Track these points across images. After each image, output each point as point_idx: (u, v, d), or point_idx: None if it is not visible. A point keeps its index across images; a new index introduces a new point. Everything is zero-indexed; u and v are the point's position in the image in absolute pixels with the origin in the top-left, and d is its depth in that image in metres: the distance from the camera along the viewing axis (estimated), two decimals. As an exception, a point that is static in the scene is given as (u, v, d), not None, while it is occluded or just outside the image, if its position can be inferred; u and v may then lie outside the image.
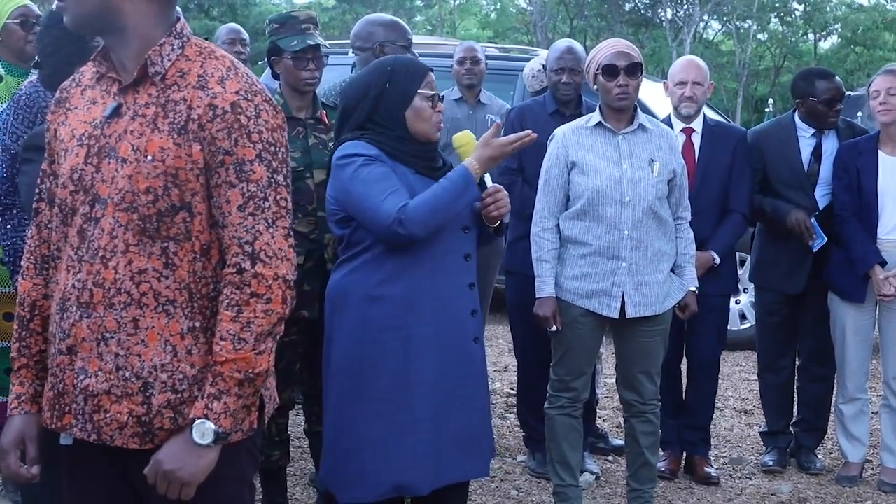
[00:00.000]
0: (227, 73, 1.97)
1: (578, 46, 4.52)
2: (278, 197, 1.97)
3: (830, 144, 4.49)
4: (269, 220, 1.95)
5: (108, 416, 1.95)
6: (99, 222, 1.94)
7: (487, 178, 2.96)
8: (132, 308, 1.93)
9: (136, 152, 1.92)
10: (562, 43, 4.55)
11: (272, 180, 1.96)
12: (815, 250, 4.38)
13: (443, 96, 2.98)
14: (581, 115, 4.20)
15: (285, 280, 1.97)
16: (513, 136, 2.96)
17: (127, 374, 1.94)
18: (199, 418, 1.92)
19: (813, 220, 4.37)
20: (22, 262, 2.11)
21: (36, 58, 3.94)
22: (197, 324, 1.96)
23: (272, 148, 1.97)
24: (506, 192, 2.98)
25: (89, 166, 1.96)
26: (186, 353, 1.95)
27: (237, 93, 1.95)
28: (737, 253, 4.90)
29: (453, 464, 2.95)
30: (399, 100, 2.90)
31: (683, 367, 4.60)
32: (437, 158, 3.00)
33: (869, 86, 4.44)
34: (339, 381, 2.92)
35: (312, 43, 3.54)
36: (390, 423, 2.87)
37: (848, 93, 8.35)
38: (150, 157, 1.91)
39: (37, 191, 2.10)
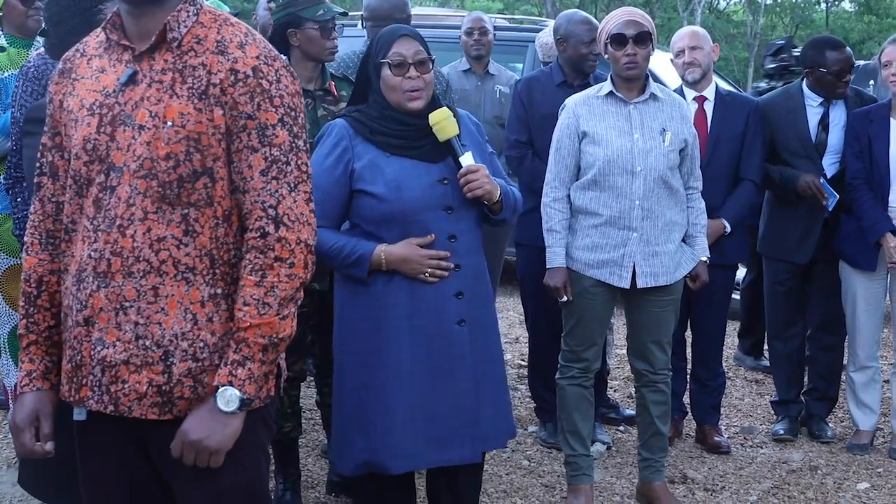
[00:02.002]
0: (245, 38, 1.97)
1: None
2: (299, 161, 1.97)
3: (838, 113, 4.47)
4: (292, 185, 1.95)
5: (126, 386, 1.94)
6: (115, 191, 1.93)
7: (468, 156, 2.88)
8: (152, 276, 1.92)
9: (155, 118, 1.91)
10: (579, 14, 4.46)
11: (293, 145, 1.96)
12: (830, 209, 4.36)
13: (421, 61, 2.87)
14: (589, 84, 4.18)
15: (307, 244, 1.97)
16: (433, 255, 2.85)
17: (147, 343, 1.93)
18: (223, 385, 1.91)
19: (822, 180, 4.36)
20: (25, 238, 2.08)
21: (43, 27, 3.97)
22: (218, 290, 1.95)
23: (293, 113, 1.97)
24: (484, 170, 2.88)
25: (103, 135, 1.94)
26: (207, 321, 1.95)
27: (257, 57, 1.95)
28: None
29: (433, 448, 2.89)
30: (374, 72, 2.92)
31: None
32: (427, 134, 2.89)
33: (880, 55, 4.41)
34: (335, 352, 2.99)
35: (339, 11, 3.57)
36: (363, 401, 2.88)
37: (860, 62, 8.30)
38: (169, 123, 1.90)
39: (37, 165, 2.07)
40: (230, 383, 1.91)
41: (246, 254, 1.94)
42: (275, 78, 1.95)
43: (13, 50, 3.96)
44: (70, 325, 1.99)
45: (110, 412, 1.96)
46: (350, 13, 4.15)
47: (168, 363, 1.94)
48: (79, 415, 2.01)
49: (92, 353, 1.95)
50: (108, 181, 1.94)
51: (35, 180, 2.08)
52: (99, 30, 2.06)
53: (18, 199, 3.37)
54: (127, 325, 1.93)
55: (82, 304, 1.95)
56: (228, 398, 1.91)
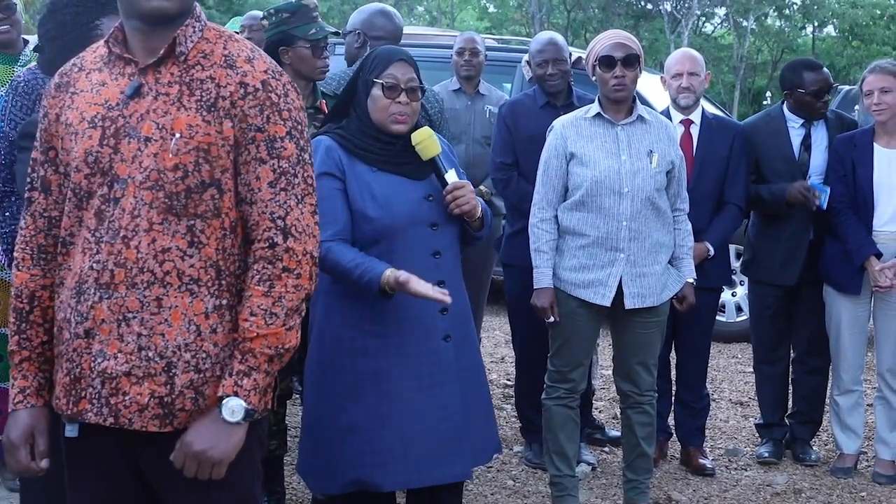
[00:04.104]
0: (251, 53, 2.00)
1: (559, 37, 4.53)
2: (306, 175, 2.00)
3: (819, 134, 4.52)
4: (299, 197, 1.97)
5: (126, 398, 1.93)
6: (119, 202, 1.93)
7: (452, 173, 2.90)
8: (155, 287, 1.91)
9: (162, 130, 1.92)
10: (543, 35, 4.56)
11: (300, 158, 1.99)
12: (824, 207, 4.35)
13: (414, 88, 2.89)
14: (573, 105, 4.22)
15: (312, 256, 1.99)
16: (430, 291, 2.74)
17: (150, 354, 1.92)
18: (227, 396, 1.91)
19: (809, 180, 4.38)
20: (15, 253, 2.06)
21: (23, 43, 4.00)
22: (224, 301, 1.96)
23: (299, 126, 2.00)
24: (469, 187, 2.90)
25: (105, 148, 1.94)
26: (210, 332, 1.95)
27: (265, 72, 1.98)
28: (732, 245, 4.91)
29: (426, 466, 2.87)
30: (363, 88, 2.91)
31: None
32: (410, 153, 2.89)
33: (862, 81, 4.45)
34: (311, 372, 2.95)
35: (331, 30, 3.58)
36: (353, 418, 2.85)
37: (846, 87, 8.37)
38: (177, 135, 1.92)
39: (28, 180, 2.06)
40: (235, 394, 1.91)
41: (253, 264, 1.96)
42: (283, 92, 1.99)
43: (0, 67, 3.97)
44: (67, 338, 1.97)
45: (110, 424, 1.94)
46: (342, 32, 4.16)
47: (171, 374, 1.93)
48: (71, 431, 1.99)
49: (92, 365, 1.94)
50: (112, 193, 1.94)
51: (26, 195, 2.07)
52: (98, 44, 2.06)
53: (6, 214, 3.35)
54: (129, 336, 1.92)
55: (83, 317, 1.94)
56: (234, 409, 1.91)
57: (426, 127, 2.95)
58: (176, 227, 1.93)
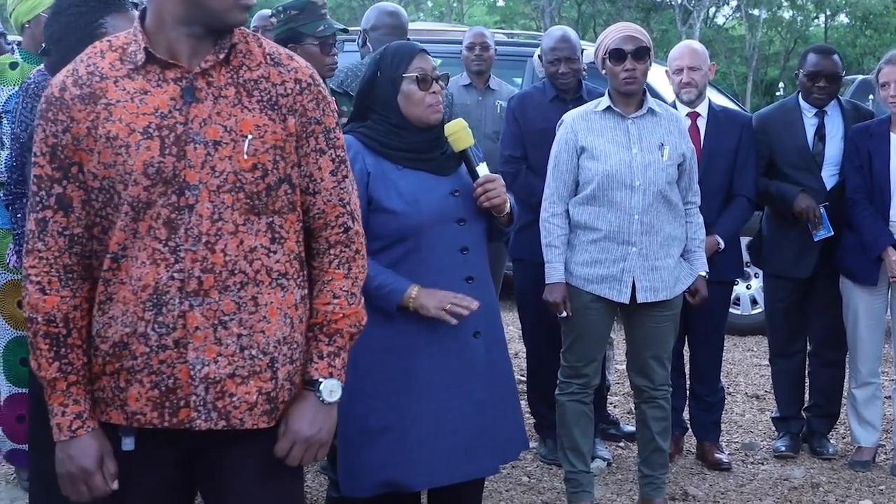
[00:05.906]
0: (285, 51, 2.05)
1: (572, 33, 4.47)
2: (349, 162, 2.11)
3: (834, 124, 4.47)
4: (352, 182, 2.10)
5: (234, 399, 1.95)
6: (194, 209, 1.91)
7: (483, 167, 2.88)
8: (250, 287, 1.94)
9: (231, 133, 1.92)
10: (555, 31, 4.50)
11: (344, 146, 2.10)
12: (815, 240, 4.35)
13: (440, 76, 2.89)
14: (582, 99, 4.19)
15: (364, 237, 2.13)
16: (458, 299, 2.80)
17: (253, 353, 1.95)
18: (324, 378, 2.01)
19: (822, 209, 4.35)
20: (36, 277, 1.97)
21: (43, 46, 3.96)
22: (306, 291, 2.04)
23: (338, 117, 2.09)
24: (501, 181, 2.89)
25: (168, 157, 1.90)
26: (299, 322, 2.02)
27: (307, 67, 2.05)
28: (743, 237, 4.86)
29: (454, 463, 2.86)
30: (389, 87, 2.87)
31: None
32: (437, 147, 2.89)
33: (877, 72, 4.41)
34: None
35: (339, 27, 3.57)
36: (383, 419, 2.83)
37: (859, 76, 8.33)
38: (249, 136, 1.93)
39: (37, 199, 1.96)
40: (330, 374, 2.01)
41: (328, 249, 2.06)
42: (323, 85, 2.06)
43: (27, 66, 3.95)
44: (145, 351, 1.92)
45: (222, 427, 1.96)
46: (350, 29, 4.16)
47: (274, 369, 1.98)
48: (128, 445, 1.98)
49: (191, 373, 1.92)
50: (182, 200, 1.90)
51: (38, 216, 1.97)
52: (101, 48, 1.99)
53: (19, 216, 3.34)
54: (229, 338, 1.93)
55: (168, 328, 1.91)
56: (332, 389, 2.01)
57: (460, 118, 2.94)
58: (258, 225, 1.96)
